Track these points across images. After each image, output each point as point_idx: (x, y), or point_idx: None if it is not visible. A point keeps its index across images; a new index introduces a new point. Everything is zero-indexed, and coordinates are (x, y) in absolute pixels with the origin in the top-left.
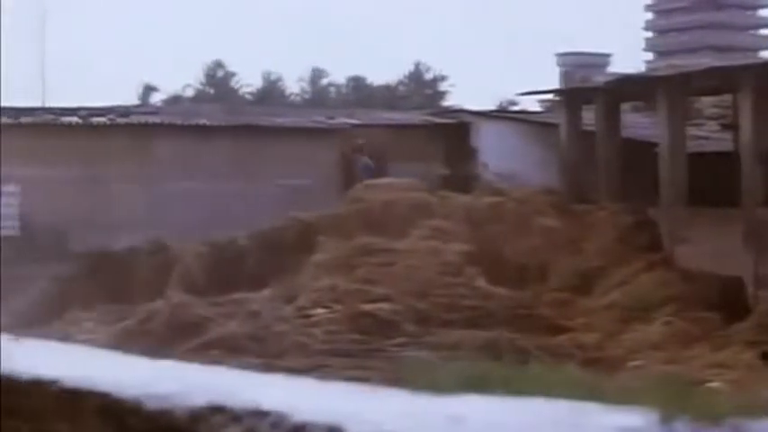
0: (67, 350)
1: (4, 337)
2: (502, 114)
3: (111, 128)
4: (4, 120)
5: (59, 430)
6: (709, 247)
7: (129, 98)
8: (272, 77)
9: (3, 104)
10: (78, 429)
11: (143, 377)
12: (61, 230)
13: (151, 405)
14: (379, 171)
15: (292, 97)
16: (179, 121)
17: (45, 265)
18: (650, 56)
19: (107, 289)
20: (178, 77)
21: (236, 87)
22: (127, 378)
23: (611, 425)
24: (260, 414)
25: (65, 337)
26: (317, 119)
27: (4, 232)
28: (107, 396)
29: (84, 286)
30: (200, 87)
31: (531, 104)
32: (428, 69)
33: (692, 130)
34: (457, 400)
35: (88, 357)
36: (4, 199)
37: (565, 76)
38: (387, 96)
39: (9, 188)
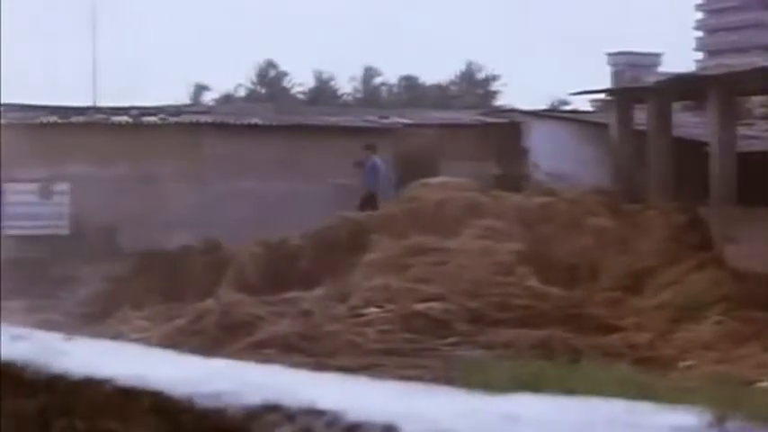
0: (120, 349)
1: (57, 335)
2: (553, 114)
3: (162, 127)
4: (56, 118)
5: (112, 429)
6: (759, 247)
7: (181, 97)
8: (324, 77)
9: (54, 103)
10: (131, 428)
11: (196, 375)
12: (112, 229)
13: (204, 404)
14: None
15: (344, 97)
16: (230, 121)
17: (95, 264)
18: (701, 55)
19: (158, 288)
20: (230, 77)
21: (288, 87)
22: (180, 376)
23: (664, 424)
24: (315, 413)
25: (116, 336)
26: (370, 118)
27: (55, 231)
28: (160, 394)
29: (135, 285)
30: (252, 87)
31: (583, 104)
32: (480, 69)
33: (742, 130)
34: (511, 399)
35: (141, 356)
36: (55, 198)
37: (616, 75)
38: (439, 96)
39: (60, 187)
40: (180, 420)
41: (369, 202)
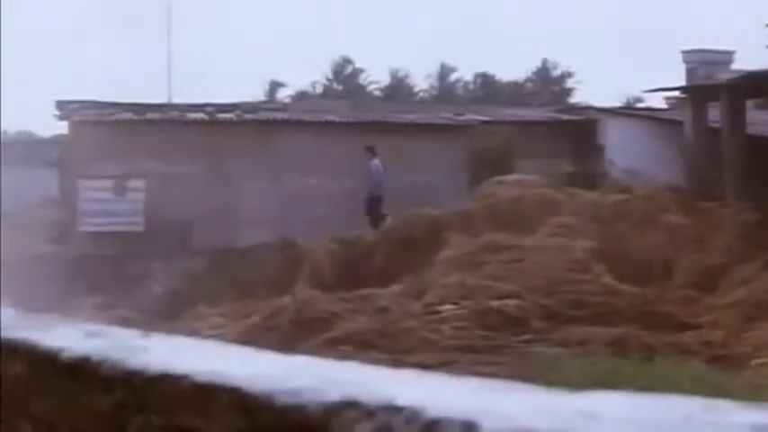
0: (198, 345)
1: (134, 332)
2: (628, 111)
3: (237, 124)
4: (131, 115)
5: (191, 425)
6: None
7: (256, 94)
8: (400, 74)
9: (129, 101)
10: (210, 424)
11: (275, 372)
12: (186, 226)
13: (283, 400)
14: (388, 175)
15: (420, 94)
16: (306, 118)
17: (170, 261)
18: None
19: (233, 285)
20: (305, 74)
21: (363, 84)
22: (258, 373)
23: (743, 423)
24: (394, 409)
25: (192, 333)
26: (445, 115)
27: (129, 228)
28: (238, 391)
29: (210, 282)
30: (328, 84)
31: (657, 102)
32: (555, 66)
33: None
34: (589, 397)
35: (219, 352)
36: (129, 195)
37: (689, 73)
38: (514, 93)
39: (134, 184)
40: (259, 417)
41: (374, 204)
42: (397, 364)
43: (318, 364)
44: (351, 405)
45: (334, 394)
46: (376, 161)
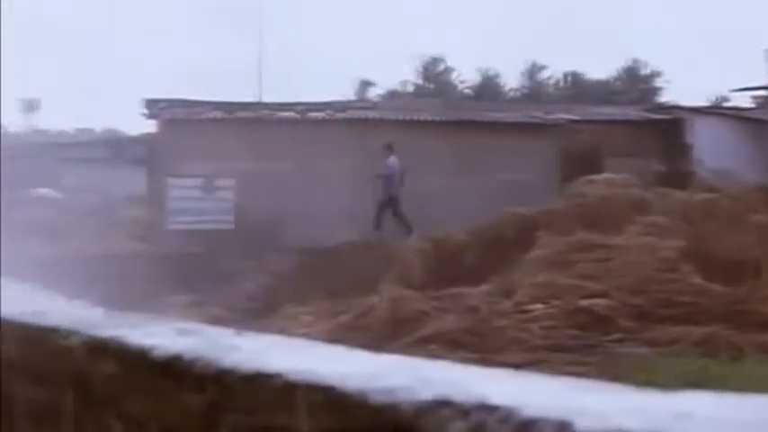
0: (289, 343)
1: (227, 330)
2: (716, 111)
3: (328, 123)
4: (221, 114)
5: (283, 424)
6: None
7: (347, 93)
8: (490, 73)
9: (219, 99)
10: (302, 423)
11: (367, 371)
12: (276, 225)
13: (376, 399)
14: (403, 174)
15: (510, 93)
16: (397, 117)
17: (260, 259)
18: None
19: (323, 283)
20: (396, 73)
21: (454, 83)
22: (351, 371)
23: None
24: (488, 408)
25: (282, 331)
26: (535, 114)
27: (219, 226)
28: (331, 389)
29: (300, 280)
30: (418, 83)
31: (744, 101)
32: (644, 65)
33: None
34: (680, 396)
35: (311, 351)
36: (219, 193)
37: None
38: (602, 92)
39: (224, 182)
40: (351, 416)
41: (389, 205)
42: (487, 363)
43: (411, 362)
44: (444, 404)
45: (426, 393)
46: (393, 158)
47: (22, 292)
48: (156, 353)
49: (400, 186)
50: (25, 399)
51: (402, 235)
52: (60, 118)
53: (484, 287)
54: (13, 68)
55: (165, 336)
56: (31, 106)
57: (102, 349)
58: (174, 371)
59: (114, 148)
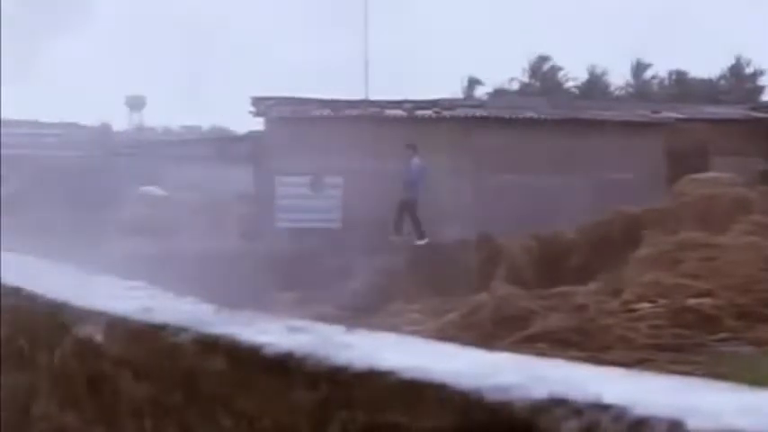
0: (401, 341)
1: (338, 328)
2: None
3: (436, 121)
4: (329, 112)
5: (396, 422)
6: None
7: (454, 91)
8: (597, 71)
9: (326, 97)
10: (415, 421)
11: (481, 368)
12: (384, 223)
13: (491, 397)
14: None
15: (616, 91)
16: (505, 115)
17: (368, 257)
18: None
19: (431, 281)
20: (503, 71)
21: (560, 81)
22: (464, 369)
23: None
24: (601, 407)
25: (390, 329)
26: (641, 113)
27: (327, 224)
28: (445, 387)
29: (408, 278)
30: (525, 81)
31: None
32: (748, 63)
33: None
34: None
35: (423, 348)
36: (327, 191)
37: None
38: (707, 90)
39: (332, 180)
40: (466, 414)
41: (405, 207)
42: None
43: (524, 361)
44: (558, 402)
45: (541, 391)
46: (416, 160)
47: (130, 289)
48: (267, 350)
49: (421, 188)
50: (132, 396)
51: (414, 238)
52: (166, 115)
53: (591, 286)
54: (118, 66)
55: (276, 333)
56: (136, 104)
57: (212, 347)
58: (285, 368)
59: (221, 145)
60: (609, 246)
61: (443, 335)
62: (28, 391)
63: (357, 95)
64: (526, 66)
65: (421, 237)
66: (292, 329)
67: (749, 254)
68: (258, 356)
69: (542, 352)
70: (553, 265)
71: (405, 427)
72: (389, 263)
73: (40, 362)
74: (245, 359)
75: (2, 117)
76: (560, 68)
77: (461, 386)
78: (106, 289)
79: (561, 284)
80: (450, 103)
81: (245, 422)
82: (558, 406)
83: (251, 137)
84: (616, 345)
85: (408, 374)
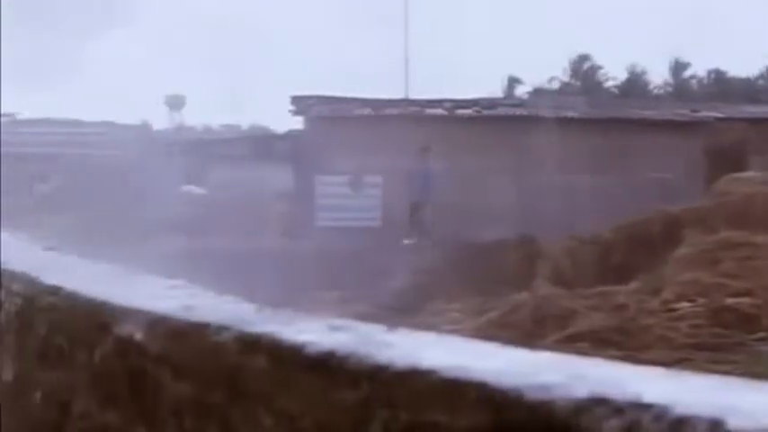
0: (442, 340)
1: (379, 326)
2: None
3: (476, 120)
4: (369, 111)
5: (437, 421)
6: None
7: (493, 90)
8: (637, 70)
9: (367, 96)
10: (456, 420)
11: (522, 367)
12: (426, 221)
13: (531, 396)
14: (437, 177)
15: (655, 90)
16: (545, 114)
17: (408, 256)
18: None
19: (471, 280)
20: (543, 70)
21: (600, 80)
22: (505, 368)
23: None
24: (642, 406)
25: (430, 328)
26: (681, 112)
27: (366, 223)
28: (486, 386)
29: (448, 277)
30: (564, 80)
31: None
32: None
33: None
34: None
35: (464, 347)
36: (367, 190)
37: None
38: (746, 89)
39: (372, 179)
40: (506, 413)
41: (415, 211)
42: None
43: (565, 359)
44: (599, 402)
45: (582, 390)
46: (428, 164)
47: (170, 288)
48: (309, 349)
49: (426, 192)
50: (173, 395)
51: (420, 240)
52: (206, 114)
53: (631, 285)
54: (158, 65)
55: (317, 332)
56: (176, 103)
57: (254, 345)
58: (327, 367)
59: (260, 144)
60: (648, 245)
61: (483, 334)
62: (67, 390)
63: (397, 94)
64: (566, 65)
65: (425, 239)
66: (334, 328)
67: None
68: (300, 355)
69: (582, 351)
70: (593, 264)
71: (445, 426)
72: (429, 262)
73: (80, 360)
74: (287, 358)
75: (44, 116)
76: (600, 68)
77: (502, 385)
78: (147, 287)
79: (601, 284)
80: (490, 103)
81: (286, 421)
82: (598, 405)
83: (291, 136)
84: (655, 344)
85: (449, 373)
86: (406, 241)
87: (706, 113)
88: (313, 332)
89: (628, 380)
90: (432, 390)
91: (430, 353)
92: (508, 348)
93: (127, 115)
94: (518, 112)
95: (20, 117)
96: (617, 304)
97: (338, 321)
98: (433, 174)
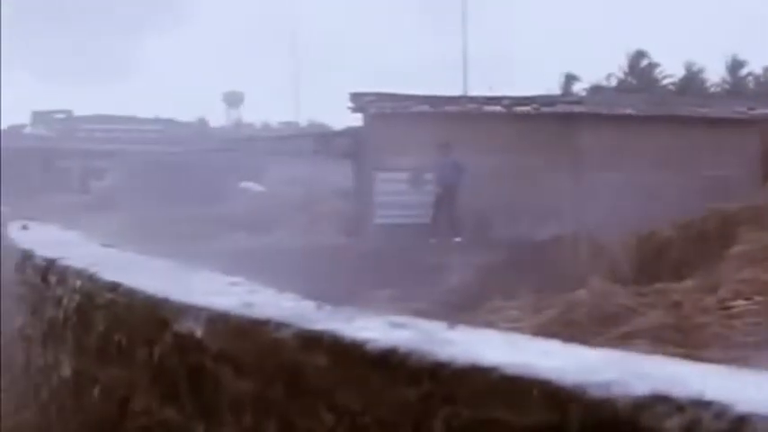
0: (503, 337)
1: (440, 324)
2: None
3: (534, 117)
4: (427, 108)
5: (499, 418)
6: None
7: (550, 88)
8: (694, 68)
9: (425, 93)
10: (519, 417)
11: (583, 365)
12: (483, 219)
13: (593, 393)
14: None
15: (712, 88)
16: (603, 111)
17: (466, 253)
18: None
19: (529, 278)
20: (600, 67)
21: (657, 78)
22: (567, 366)
23: None
24: (703, 404)
25: (488, 326)
26: (738, 109)
27: (426, 220)
28: (549, 383)
29: (506, 275)
30: (621, 77)
31: None
32: None
33: None
34: None
35: (525, 344)
36: (426, 187)
37: None
38: None
39: (431, 176)
40: (568, 410)
41: (440, 206)
42: (691, 359)
43: (625, 357)
44: (661, 399)
45: (643, 388)
46: (451, 159)
47: (230, 285)
48: (370, 346)
49: (451, 186)
50: (232, 391)
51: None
52: (264, 111)
53: (687, 283)
54: (216, 62)
55: (378, 329)
56: (234, 100)
57: (314, 342)
58: (388, 364)
59: (319, 141)
60: (705, 243)
61: (541, 331)
62: (126, 386)
63: (455, 92)
64: (623, 62)
65: (434, 236)
66: (394, 325)
67: None
68: (361, 352)
69: (639, 349)
70: (650, 261)
71: (507, 424)
72: (487, 259)
73: (139, 357)
74: (348, 355)
75: (102, 113)
76: (657, 65)
77: (564, 383)
78: (206, 284)
79: (658, 281)
80: (548, 100)
81: (347, 418)
82: (660, 403)
83: (349, 133)
84: (712, 342)
85: (511, 371)
86: (456, 239)
87: (763, 111)
88: (374, 329)
89: (688, 378)
90: (493, 387)
91: (491, 350)
92: (569, 346)
93: (184, 112)
94: (576, 109)
95: (77, 114)
96: (673, 302)
97: (399, 318)
98: (454, 170)
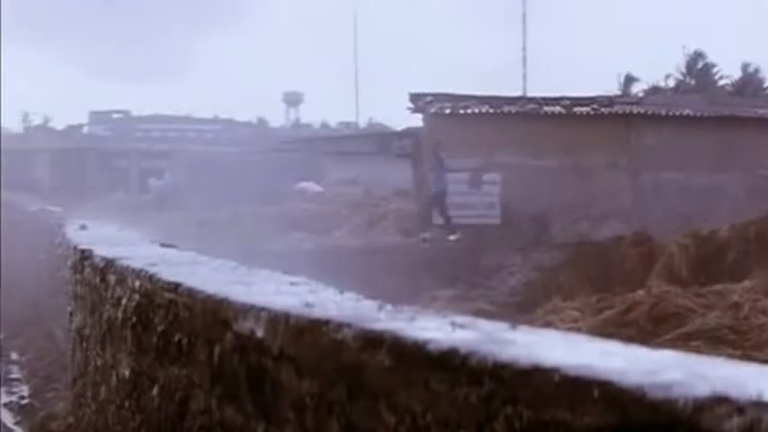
0: (564, 338)
1: (502, 324)
2: None
3: (593, 117)
4: (487, 108)
5: (561, 418)
6: None
7: (609, 89)
8: (750, 69)
9: (485, 93)
10: (580, 418)
11: (643, 366)
12: (542, 219)
13: (654, 394)
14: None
15: None
16: (662, 112)
17: (526, 253)
18: None
19: (588, 278)
20: (659, 67)
21: (715, 78)
22: (627, 366)
23: None
24: (763, 405)
25: (547, 326)
26: None
27: (485, 220)
28: (609, 384)
29: (565, 275)
30: (679, 78)
31: None
32: None
33: None
34: None
35: (586, 345)
36: (485, 187)
37: None
38: None
39: (490, 177)
40: (629, 411)
41: (439, 205)
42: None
43: (685, 358)
44: (721, 400)
45: (703, 389)
46: (441, 157)
47: (290, 285)
48: (431, 346)
49: (444, 184)
50: (294, 391)
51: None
52: (323, 111)
53: (745, 284)
54: (276, 62)
55: (439, 329)
56: (294, 100)
57: (376, 342)
58: (450, 364)
59: (378, 141)
60: (764, 243)
61: (600, 332)
62: (185, 386)
63: (515, 92)
64: (681, 62)
65: (430, 229)
66: (456, 326)
67: None
68: (423, 352)
69: (697, 349)
70: (709, 262)
71: (569, 424)
72: (547, 259)
73: (199, 357)
74: (410, 355)
75: (159, 113)
76: (714, 65)
77: (624, 384)
78: (267, 284)
79: (717, 282)
80: (607, 100)
81: (408, 418)
82: (720, 404)
83: (408, 133)
84: None
85: (573, 372)
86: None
87: None
88: (435, 330)
89: (748, 379)
90: (555, 388)
91: (552, 351)
92: (629, 347)
93: (243, 112)
94: (634, 109)
95: (134, 114)
96: (731, 303)
97: (460, 319)
98: (444, 169)
